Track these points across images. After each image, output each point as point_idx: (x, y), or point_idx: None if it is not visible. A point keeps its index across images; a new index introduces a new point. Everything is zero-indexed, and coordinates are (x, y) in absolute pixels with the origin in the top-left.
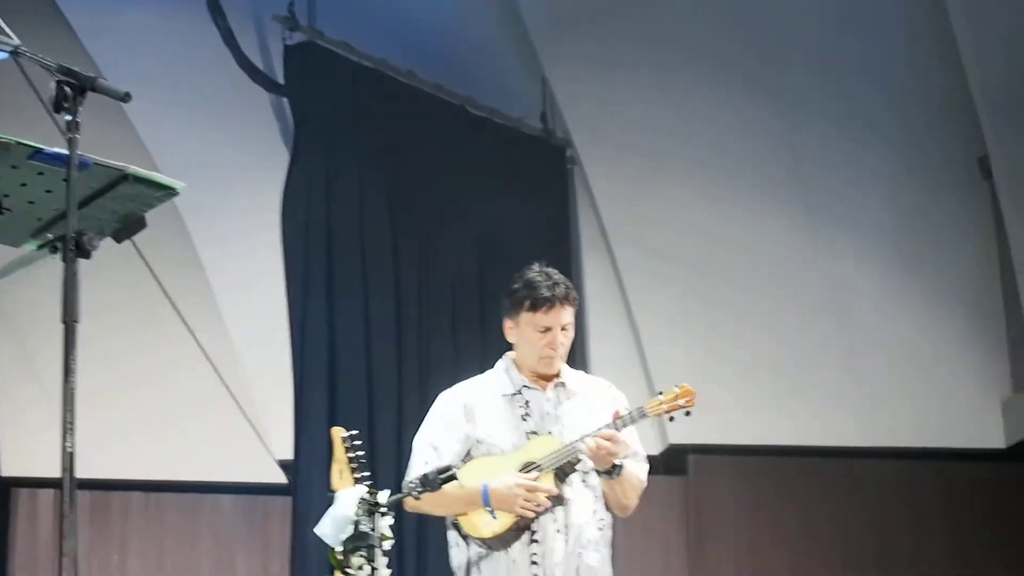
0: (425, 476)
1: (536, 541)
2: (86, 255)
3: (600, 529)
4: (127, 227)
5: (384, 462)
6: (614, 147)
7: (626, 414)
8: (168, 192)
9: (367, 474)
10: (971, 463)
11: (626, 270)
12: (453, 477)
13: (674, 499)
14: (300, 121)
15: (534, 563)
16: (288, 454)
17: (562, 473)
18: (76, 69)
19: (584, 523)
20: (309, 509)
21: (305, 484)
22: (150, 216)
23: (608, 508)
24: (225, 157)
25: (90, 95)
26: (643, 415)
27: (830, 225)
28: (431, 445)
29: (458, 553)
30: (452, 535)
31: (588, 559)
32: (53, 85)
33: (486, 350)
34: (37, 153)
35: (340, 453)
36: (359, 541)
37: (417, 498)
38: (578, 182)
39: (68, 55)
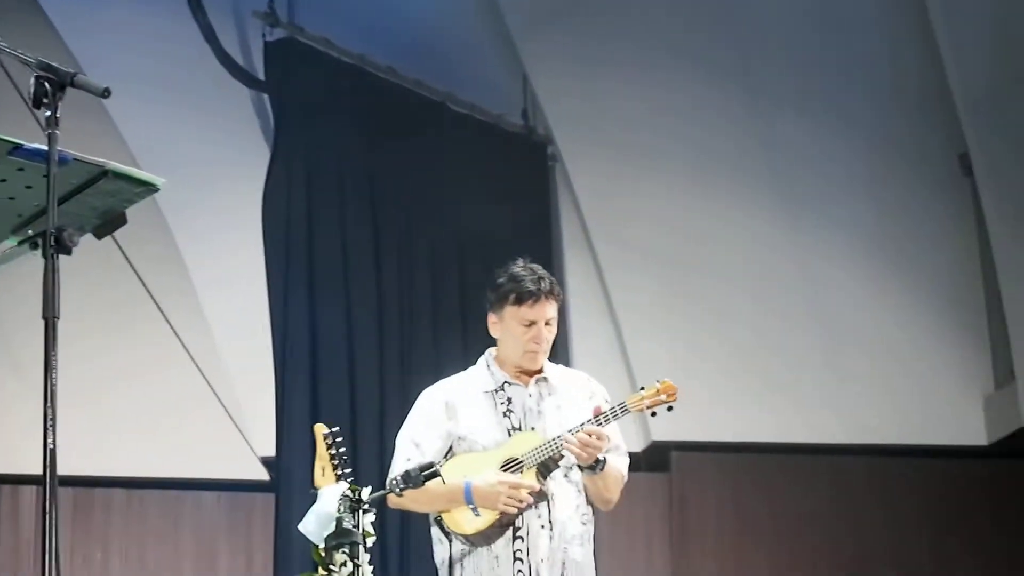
0: (407, 473)
1: (520, 537)
2: (66, 251)
3: (584, 523)
4: (107, 223)
5: (366, 459)
6: (595, 144)
7: (608, 410)
8: (148, 188)
9: (349, 471)
10: (953, 460)
11: (608, 267)
12: (436, 474)
13: (657, 496)
14: (280, 117)
15: (518, 559)
16: (270, 451)
17: (545, 469)
18: (55, 65)
19: (568, 518)
20: (292, 506)
21: (287, 481)
22: (131, 215)
23: (590, 502)
24: (206, 153)
25: (70, 91)
26: (625, 411)
27: (812, 222)
28: (413, 442)
29: (441, 550)
30: (435, 532)
31: (573, 554)
32: (32, 81)
33: (467, 346)
34: (17, 149)
35: (322, 450)
36: (342, 538)
37: (400, 495)
38: (559, 179)
39: (49, 52)
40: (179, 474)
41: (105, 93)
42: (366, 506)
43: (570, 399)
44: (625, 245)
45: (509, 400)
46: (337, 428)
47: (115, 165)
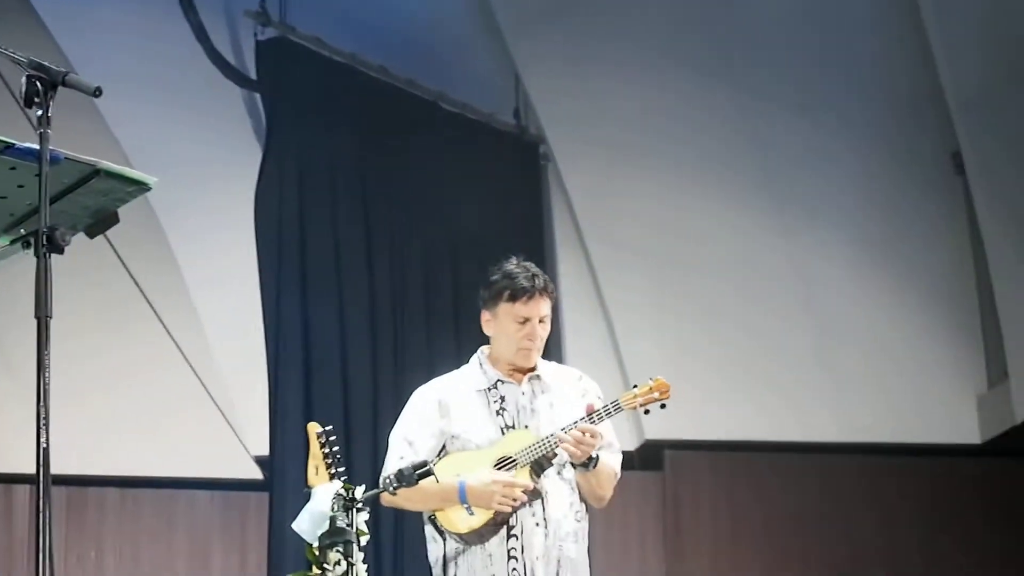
0: (401, 472)
1: (514, 535)
2: (59, 250)
3: (578, 521)
4: (100, 222)
5: (360, 457)
6: (587, 143)
7: (601, 408)
8: (140, 187)
9: (343, 470)
10: (947, 459)
11: (600, 266)
12: (429, 473)
13: (650, 494)
14: (272, 116)
15: (512, 557)
16: (264, 450)
17: (538, 467)
18: (47, 64)
19: (562, 516)
20: (285, 505)
21: (281, 480)
22: (124, 214)
23: (583, 500)
24: (198, 153)
25: (62, 90)
26: (618, 408)
27: (804, 221)
28: (406, 441)
29: (435, 548)
30: (429, 530)
31: (568, 551)
32: (24, 80)
33: (460, 344)
34: (8, 148)
35: (316, 449)
36: (336, 536)
37: (393, 494)
38: (551, 178)
39: (41, 52)
40: (173, 473)
41: (97, 92)
42: (360, 505)
43: (563, 397)
44: (617, 244)
45: (502, 398)
46: (330, 427)
47: (107, 164)
